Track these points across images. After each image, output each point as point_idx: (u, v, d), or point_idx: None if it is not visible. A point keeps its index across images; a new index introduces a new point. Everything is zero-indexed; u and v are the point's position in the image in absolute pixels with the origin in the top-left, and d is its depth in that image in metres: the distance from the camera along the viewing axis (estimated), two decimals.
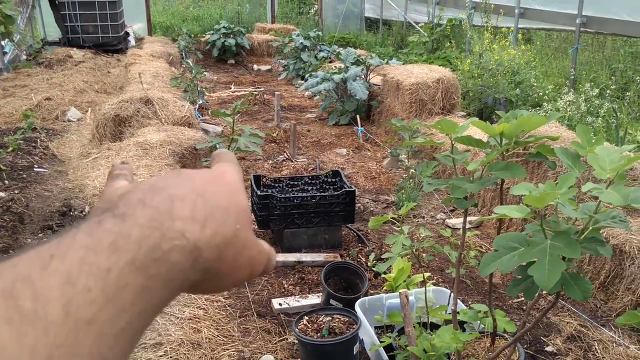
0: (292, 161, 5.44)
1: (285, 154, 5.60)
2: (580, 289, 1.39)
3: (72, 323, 0.31)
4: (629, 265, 3.02)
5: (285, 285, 3.35)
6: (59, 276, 0.32)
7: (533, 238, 1.42)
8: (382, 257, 3.33)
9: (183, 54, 9.65)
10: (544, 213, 1.50)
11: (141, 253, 0.34)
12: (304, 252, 3.68)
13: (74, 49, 9.76)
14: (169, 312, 2.72)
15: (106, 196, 0.42)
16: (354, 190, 3.73)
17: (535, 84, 6.39)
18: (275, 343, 2.81)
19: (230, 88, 8.68)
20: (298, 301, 3.15)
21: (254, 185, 3.77)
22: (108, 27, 10.20)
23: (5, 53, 8.38)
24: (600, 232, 1.47)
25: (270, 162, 5.42)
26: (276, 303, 3.12)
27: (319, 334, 2.57)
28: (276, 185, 3.92)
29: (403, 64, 7.07)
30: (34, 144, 5.42)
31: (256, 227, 3.87)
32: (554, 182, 1.42)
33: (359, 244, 3.86)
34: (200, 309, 2.81)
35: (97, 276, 0.33)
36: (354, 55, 7.05)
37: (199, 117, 6.38)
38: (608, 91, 6.13)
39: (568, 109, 5.63)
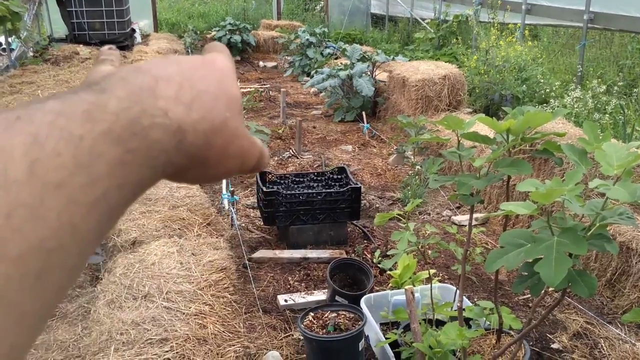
0: (297, 158, 5.44)
1: (290, 150, 5.60)
2: (586, 285, 1.38)
3: (38, 184, 0.28)
4: (636, 263, 3.01)
5: (291, 282, 3.35)
6: (25, 136, 0.29)
7: (539, 234, 1.42)
8: (388, 253, 3.33)
9: (189, 50, 9.66)
10: (551, 210, 1.49)
11: (118, 125, 0.32)
12: (310, 249, 3.68)
13: (81, 45, 9.79)
14: (175, 308, 2.73)
15: (88, 79, 0.40)
16: (360, 187, 3.73)
17: (542, 81, 6.35)
18: (281, 339, 2.82)
19: None
20: (304, 297, 3.16)
21: (259, 181, 3.77)
22: (114, 23, 10.22)
23: (12, 50, 8.41)
24: (607, 229, 1.47)
25: (276, 158, 5.42)
26: (282, 299, 3.13)
27: (324, 330, 2.58)
28: (282, 181, 3.93)
29: (409, 60, 7.05)
30: None
31: (262, 223, 3.87)
32: (560, 179, 1.42)
33: (365, 241, 3.86)
34: (206, 305, 2.82)
35: (69, 141, 0.30)
36: (360, 52, 7.04)
37: None
38: (615, 88, 6.09)
39: (575, 106, 5.59)
